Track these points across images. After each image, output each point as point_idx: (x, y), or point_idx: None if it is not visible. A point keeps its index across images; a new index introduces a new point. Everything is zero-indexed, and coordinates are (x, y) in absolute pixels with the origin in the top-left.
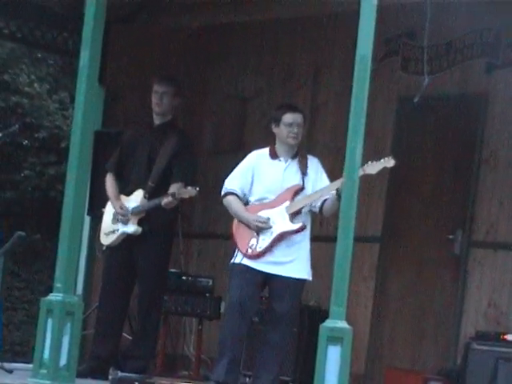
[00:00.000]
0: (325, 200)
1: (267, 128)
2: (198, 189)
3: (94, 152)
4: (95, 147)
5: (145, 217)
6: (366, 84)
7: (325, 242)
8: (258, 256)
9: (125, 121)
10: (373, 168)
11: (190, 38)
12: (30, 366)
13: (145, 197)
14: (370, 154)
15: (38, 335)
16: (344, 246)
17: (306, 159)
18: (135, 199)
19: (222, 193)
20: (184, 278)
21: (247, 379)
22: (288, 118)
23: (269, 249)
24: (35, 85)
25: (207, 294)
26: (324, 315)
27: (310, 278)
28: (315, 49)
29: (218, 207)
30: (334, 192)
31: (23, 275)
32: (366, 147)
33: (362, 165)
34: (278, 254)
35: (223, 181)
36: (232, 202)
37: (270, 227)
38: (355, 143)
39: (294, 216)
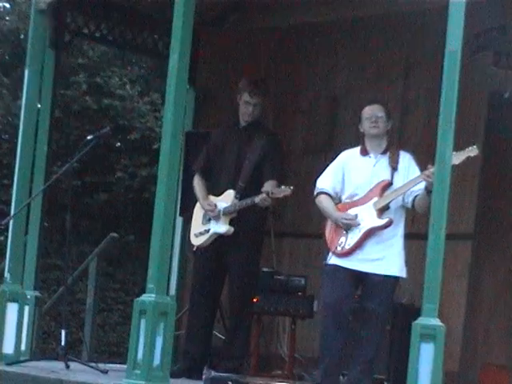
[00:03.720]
0: (416, 195)
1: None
2: (292, 188)
3: (185, 153)
4: (186, 148)
5: (235, 217)
6: (456, 79)
7: (416, 240)
8: (347, 254)
9: (216, 121)
10: (457, 158)
11: (279, 37)
12: (125, 366)
13: (236, 197)
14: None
15: (132, 336)
16: (436, 243)
17: (397, 155)
18: (226, 199)
19: (315, 193)
20: (276, 277)
21: (341, 377)
22: (366, 112)
23: (358, 246)
24: (127, 87)
25: (300, 293)
26: (417, 313)
27: (404, 275)
28: (405, 46)
29: (310, 206)
30: (423, 187)
31: (118, 276)
32: (457, 144)
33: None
34: (368, 251)
35: (315, 180)
36: (323, 202)
37: (358, 224)
38: (446, 140)
39: (382, 212)
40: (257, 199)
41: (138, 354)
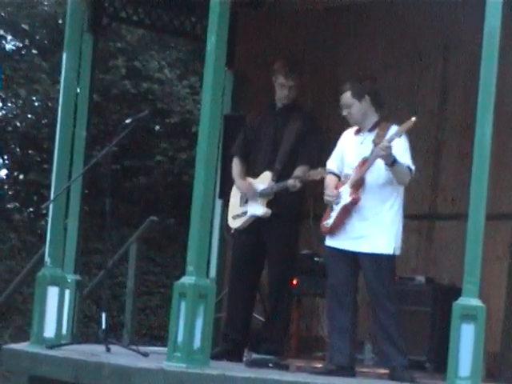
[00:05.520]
0: None
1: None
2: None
3: (224, 135)
4: (225, 131)
5: (273, 199)
6: (495, 58)
7: (457, 220)
8: (331, 232)
9: (255, 104)
10: (398, 132)
11: (317, 18)
12: (166, 349)
13: (273, 179)
14: (503, 130)
15: (172, 319)
16: (476, 223)
17: (386, 131)
18: (263, 181)
19: None
20: (316, 259)
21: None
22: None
23: (337, 223)
24: (165, 70)
25: None
26: (458, 294)
27: (391, 252)
28: (444, 25)
29: None
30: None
31: (158, 260)
32: (497, 123)
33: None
34: (351, 229)
35: None
36: (326, 181)
37: (338, 202)
38: (485, 120)
39: (357, 189)
40: (288, 183)
41: (178, 336)
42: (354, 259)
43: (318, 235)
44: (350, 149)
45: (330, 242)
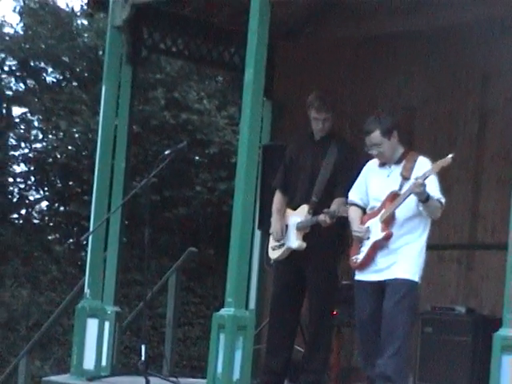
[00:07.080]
0: None
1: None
2: None
3: (262, 166)
4: (264, 161)
5: (311, 231)
6: None
7: (498, 250)
8: (361, 267)
9: (293, 134)
10: (436, 167)
11: (355, 49)
12: (205, 381)
13: (309, 212)
14: None
15: (211, 350)
16: None
17: (413, 162)
18: (300, 214)
19: None
20: None
21: None
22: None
23: (368, 259)
24: (204, 101)
25: None
26: (498, 324)
27: (415, 279)
28: (483, 54)
29: None
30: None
31: (198, 291)
32: None
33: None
34: (380, 261)
35: None
36: (350, 213)
37: (368, 237)
38: None
39: (388, 223)
40: (319, 219)
41: (218, 368)
42: (380, 290)
43: None
44: (376, 181)
45: (359, 275)
